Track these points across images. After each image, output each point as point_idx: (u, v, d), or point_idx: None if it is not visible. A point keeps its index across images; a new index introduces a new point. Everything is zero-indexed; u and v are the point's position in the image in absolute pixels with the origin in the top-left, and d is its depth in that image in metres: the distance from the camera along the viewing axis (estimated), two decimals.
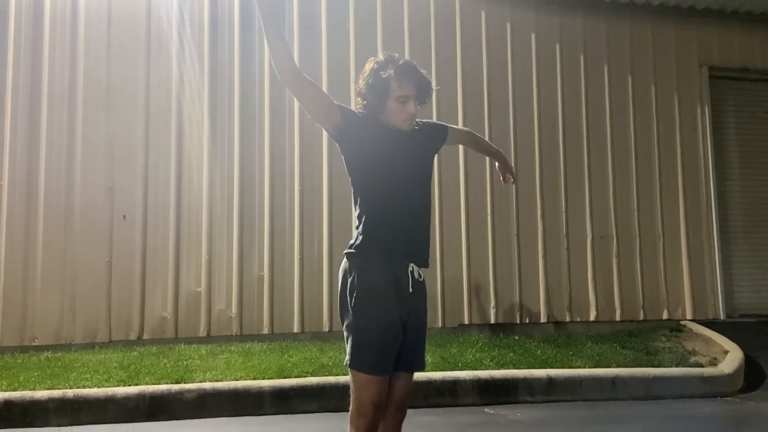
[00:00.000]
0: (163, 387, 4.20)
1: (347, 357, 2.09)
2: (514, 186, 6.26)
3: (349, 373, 2.10)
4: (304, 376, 4.47)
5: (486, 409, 4.38)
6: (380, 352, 2.05)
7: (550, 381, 4.71)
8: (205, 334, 5.61)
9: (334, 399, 4.29)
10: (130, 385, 4.22)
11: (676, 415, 4.31)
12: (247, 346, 5.33)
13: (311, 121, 6.37)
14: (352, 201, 2.21)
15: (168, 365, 4.68)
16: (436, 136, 2.39)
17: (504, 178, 2.74)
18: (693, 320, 6.43)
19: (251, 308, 5.73)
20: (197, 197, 5.80)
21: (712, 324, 6.32)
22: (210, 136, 5.88)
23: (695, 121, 6.82)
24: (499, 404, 4.47)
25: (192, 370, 4.55)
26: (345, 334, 2.12)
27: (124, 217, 5.65)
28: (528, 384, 4.67)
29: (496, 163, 2.76)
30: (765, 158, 7.15)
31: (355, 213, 2.19)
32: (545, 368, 4.89)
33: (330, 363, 4.74)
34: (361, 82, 2.20)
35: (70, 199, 5.60)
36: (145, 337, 5.54)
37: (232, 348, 5.24)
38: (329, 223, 5.92)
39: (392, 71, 2.13)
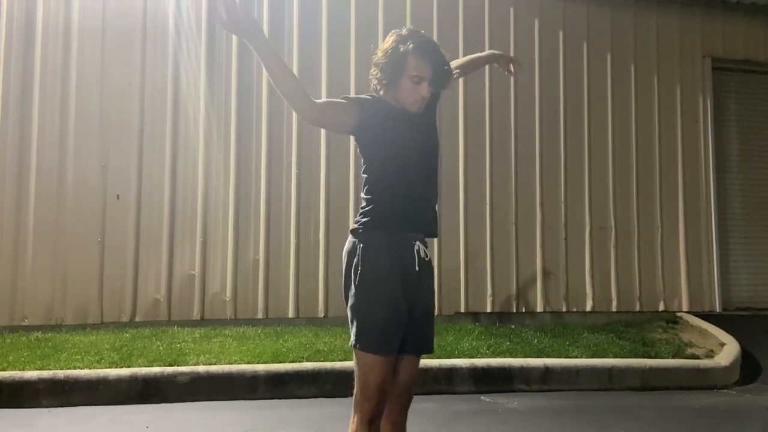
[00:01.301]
0: (156, 369, 4.15)
1: (352, 337, 2.03)
2: (513, 175, 6.21)
3: (354, 355, 2.04)
4: (299, 361, 4.43)
5: (482, 397, 4.35)
6: (386, 331, 1.99)
7: (547, 370, 4.68)
8: (198, 318, 5.55)
9: (329, 384, 4.27)
10: (122, 367, 4.16)
11: (673, 407, 4.29)
12: (241, 330, 5.28)
13: None
14: (363, 184, 2.13)
15: (161, 348, 4.63)
16: (434, 99, 2.26)
17: (508, 71, 2.64)
18: (689, 312, 6.42)
19: (246, 292, 5.67)
20: (192, 178, 5.71)
21: (707, 316, 6.31)
22: (206, 117, 5.78)
23: (697, 112, 6.77)
24: (494, 392, 4.44)
25: (185, 353, 4.50)
26: (349, 315, 2.06)
27: (118, 197, 5.56)
28: (524, 373, 4.64)
29: (494, 64, 2.66)
30: (765, 152, 7.11)
31: (363, 195, 2.12)
32: (542, 357, 4.86)
33: (325, 348, 4.70)
34: (380, 54, 2.12)
35: (63, 178, 5.50)
36: (137, 319, 5.47)
37: (226, 332, 5.18)
38: (326, 208, 5.85)
39: (412, 46, 2.03)
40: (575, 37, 6.55)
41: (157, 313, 5.50)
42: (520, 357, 4.84)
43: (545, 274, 6.18)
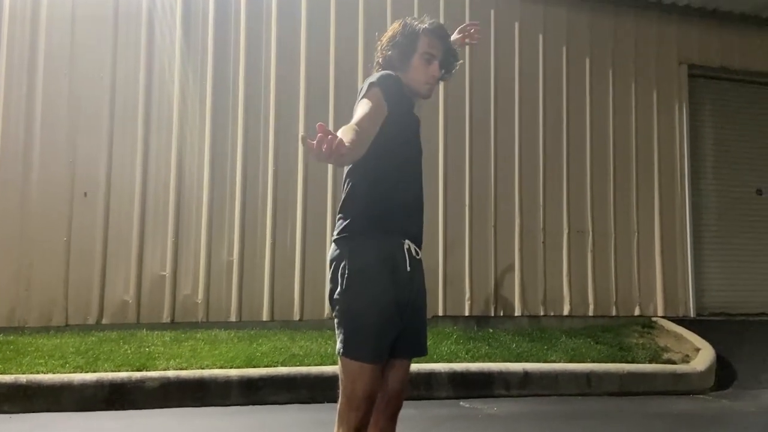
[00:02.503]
0: (124, 374, 3.98)
1: (339, 345, 1.90)
2: (493, 178, 6.17)
3: (339, 363, 1.91)
4: (274, 366, 4.30)
5: (461, 403, 4.27)
6: (376, 337, 1.87)
7: (526, 375, 4.64)
8: (169, 320, 5.37)
9: (304, 390, 4.15)
10: (87, 372, 3.98)
11: (652, 413, 4.27)
12: (213, 333, 5.11)
13: (288, 100, 6.13)
14: (348, 178, 1.99)
15: (129, 352, 4.45)
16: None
17: (470, 39, 2.54)
18: (664, 317, 6.45)
19: (219, 294, 5.50)
20: (164, 175, 5.52)
21: (682, 321, 6.35)
22: (180, 111, 5.60)
23: (673, 118, 6.82)
24: (473, 398, 4.38)
25: (155, 358, 4.32)
26: (336, 321, 1.93)
27: (85, 194, 5.35)
28: (504, 378, 4.58)
29: (459, 36, 2.54)
30: (738, 159, 7.20)
31: (348, 190, 1.98)
32: (521, 362, 4.81)
33: (301, 353, 4.57)
34: (385, 39, 2.05)
35: (27, 174, 5.27)
36: (104, 321, 5.27)
37: (198, 335, 5.02)
38: (303, 208, 5.72)
39: (425, 26, 2.03)
40: (555, 41, 6.54)
41: (125, 315, 5.31)
42: (499, 362, 4.78)
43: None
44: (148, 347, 4.59)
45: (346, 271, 1.90)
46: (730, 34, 7.06)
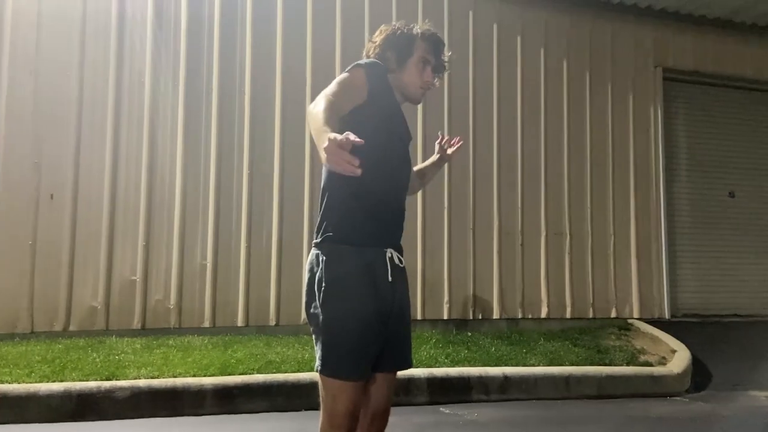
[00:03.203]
0: (92, 384, 3.82)
1: (317, 362, 1.80)
2: (471, 181, 6.14)
3: (319, 379, 1.82)
4: (250, 374, 4.18)
5: (441, 409, 4.21)
6: (356, 353, 1.78)
7: (506, 379, 4.60)
8: (139, 327, 5.20)
9: (281, 398, 4.04)
10: (54, 382, 3.82)
11: (632, 416, 4.27)
12: (186, 340, 4.97)
13: (264, 100, 5.99)
14: (328, 181, 1.91)
15: (98, 360, 4.29)
16: None
17: (448, 147, 2.43)
18: (639, 319, 6.48)
19: (192, 299, 5.36)
20: (135, 177, 5.36)
21: (656, 323, 6.39)
22: (151, 111, 5.44)
23: (648, 121, 6.87)
24: (453, 403, 4.32)
25: (125, 366, 4.17)
26: (314, 335, 1.84)
27: (52, 196, 5.16)
28: (483, 382, 4.53)
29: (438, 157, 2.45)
30: (711, 161, 7.29)
31: (329, 194, 1.90)
32: (500, 366, 4.77)
33: (277, 359, 4.46)
34: (379, 39, 1.99)
35: None
36: (71, 328, 5.08)
37: (170, 342, 4.87)
38: (279, 210, 5.60)
39: (419, 30, 2.00)
40: (533, 43, 6.53)
41: (93, 321, 5.13)
42: (478, 366, 4.74)
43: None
44: (117, 355, 4.44)
45: (323, 283, 1.81)
46: (703, 38, 7.14)
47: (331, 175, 1.88)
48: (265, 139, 5.64)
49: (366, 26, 5.91)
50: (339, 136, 1.45)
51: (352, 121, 1.79)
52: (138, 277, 5.27)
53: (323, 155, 1.47)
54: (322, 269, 1.82)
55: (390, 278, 1.86)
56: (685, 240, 7.10)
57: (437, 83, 2.08)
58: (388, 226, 1.92)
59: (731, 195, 7.33)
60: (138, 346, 4.72)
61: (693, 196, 7.21)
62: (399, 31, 1.98)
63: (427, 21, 2.09)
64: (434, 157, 2.43)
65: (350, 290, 1.80)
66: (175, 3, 5.58)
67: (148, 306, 5.27)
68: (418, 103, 2.07)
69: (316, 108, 1.65)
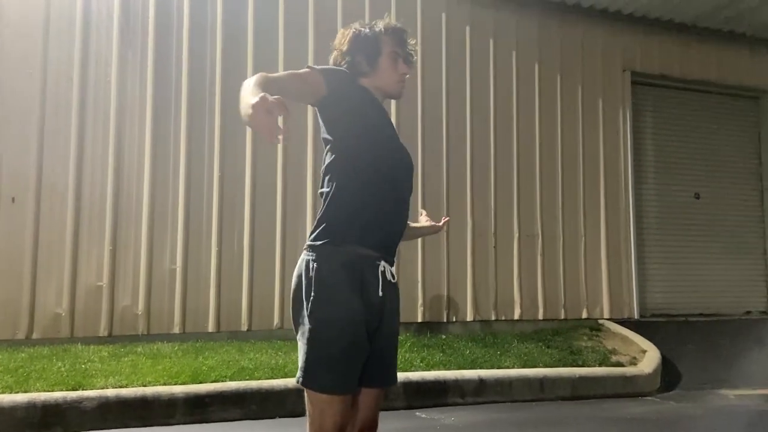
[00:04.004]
0: (58, 394, 3.68)
1: (300, 373, 1.74)
2: (445, 183, 6.14)
3: (305, 394, 1.76)
4: (222, 381, 4.08)
5: (417, 413, 4.18)
6: (344, 366, 1.72)
7: (481, 382, 4.60)
8: (106, 334, 5.05)
9: (255, 405, 3.96)
10: (18, 392, 3.67)
11: (605, 417, 4.30)
12: (155, 347, 4.84)
13: (235, 100, 5.90)
14: (323, 176, 1.86)
15: (63, 369, 4.13)
16: None
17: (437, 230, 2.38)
18: (610, 319, 6.56)
19: (161, 305, 5.22)
20: (101, 178, 5.20)
21: (626, 323, 6.48)
22: (118, 109, 5.29)
23: (617, 124, 6.96)
24: (429, 407, 4.30)
25: (91, 375, 4.03)
26: (299, 345, 1.77)
27: (13, 199, 4.98)
28: (459, 386, 4.53)
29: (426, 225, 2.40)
30: (677, 164, 7.43)
31: (322, 189, 1.85)
32: (475, 369, 4.77)
33: (250, 366, 4.37)
34: (343, 46, 1.94)
35: None
36: (35, 336, 4.90)
37: (139, 349, 4.73)
38: (251, 213, 5.50)
39: (381, 26, 1.94)
40: (505, 46, 6.56)
41: (58, 329, 4.96)
42: (453, 369, 4.73)
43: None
44: (84, 364, 4.28)
45: (312, 292, 1.74)
46: (670, 42, 7.27)
47: (333, 180, 1.82)
48: (237, 140, 5.53)
49: (338, 27, 5.84)
50: (272, 98, 1.38)
51: (337, 133, 1.80)
52: (104, 282, 5.11)
53: (248, 112, 1.39)
54: (312, 277, 1.76)
55: (380, 293, 1.81)
56: (653, 241, 7.22)
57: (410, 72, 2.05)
58: (385, 237, 1.87)
59: (697, 196, 7.48)
60: (105, 354, 4.57)
61: (660, 198, 7.34)
62: (362, 33, 1.93)
63: (386, 15, 2.05)
64: (424, 230, 2.37)
65: (341, 302, 1.74)
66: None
67: (116, 312, 5.12)
68: (400, 96, 2.01)
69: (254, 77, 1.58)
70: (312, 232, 1.83)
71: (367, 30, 1.94)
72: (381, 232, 1.84)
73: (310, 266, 1.77)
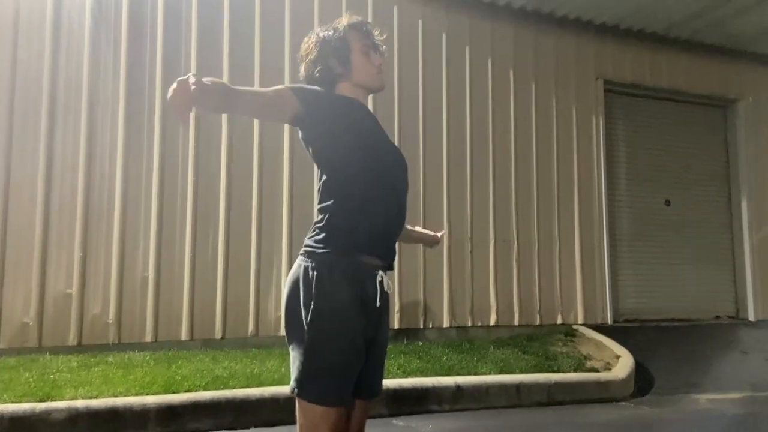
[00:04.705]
0: (26, 406, 3.56)
1: (294, 384, 1.70)
2: (422, 188, 6.13)
3: (297, 405, 1.71)
4: (196, 390, 3.99)
5: (395, 421, 4.14)
6: (342, 378, 1.69)
7: (458, 389, 4.58)
8: (75, 343, 4.92)
9: (230, 415, 3.88)
10: None
11: (581, 422, 4.33)
12: (127, 356, 4.73)
13: None
14: (320, 193, 1.83)
15: (31, 380, 4.01)
16: None
17: (432, 245, 2.40)
18: (584, 324, 6.63)
19: (132, 313, 5.11)
20: (71, 183, 5.07)
21: (600, 328, 6.55)
22: (89, 108, 5.17)
23: (590, 132, 7.05)
24: (407, 415, 4.26)
25: (60, 386, 3.92)
26: (293, 354, 1.73)
27: None
28: (436, 393, 4.51)
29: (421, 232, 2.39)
30: (648, 171, 7.56)
31: (321, 205, 1.82)
32: (452, 375, 4.76)
33: (225, 374, 4.29)
34: (311, 54, 1.90)
35: None
36: (1, 346, 4.76)
37: (109, 359, 4.62)
38: (226, 219, 5.43)
39: (344, 25, 1.92)
40: (480, 53, 6.60)
41: (25, 338, 4.82)
42: (431, 376, 4.71)
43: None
44: (52, 374, 4.17)
45: (313, 301, 1.70)
46: (641, 52, 7.40)
47: (332, 196, 1.78)
48: (211, 143, 5.46)
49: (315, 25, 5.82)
50: (195, 79, 1.40)
51: (326, 152, 1.78)
52: (74, 290, 4.98)
53: (174, 86, 1.41)
54: (312, 285, 1.71)
55: (378, 303, 1.79)
56: (625, 247, 7.32)
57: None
58: (387, 245, 1.84)
59: (667, 203, 7.62)
60: (74, 363, 4.45)
61: (632, 205, 7.45)
62: (327, 36, 1.90)
63: (348, 13, 2.01)
64: (421, 237, 2.35)
65: (342, 311, 1.71)
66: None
67: (85, 321, 4.99)
68: (382, 87, 1.98)
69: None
70: (311, 237, 1.79)
71: (331, 32, 1.90)
72: (383, 240, 1.83)
73: (309, 273, 1.73)
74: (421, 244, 2.43)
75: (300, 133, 1.85)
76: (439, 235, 2.35)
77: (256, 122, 5.47)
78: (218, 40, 5.60)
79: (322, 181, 1.82)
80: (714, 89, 7.76)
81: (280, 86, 1.76)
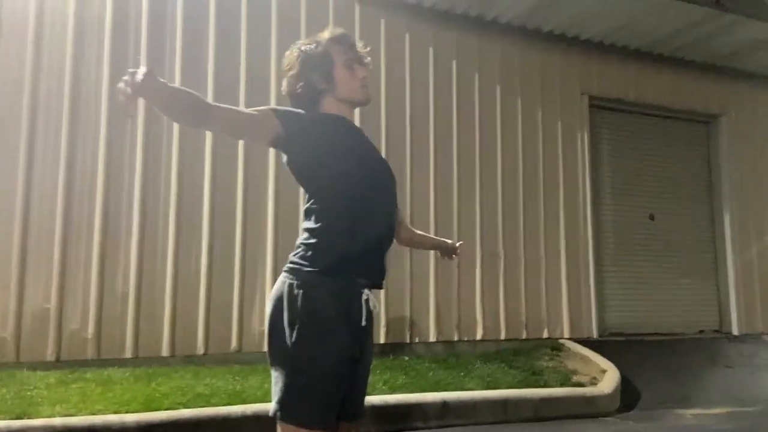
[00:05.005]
0: (1, 423, 3.48)
1: (276, 406, 1.65)
2: (409, 202, 6.11)
3: (279, 428, 1.66)
4: (176, 408, 3.91)
5: None
6: (326, 400, 1.64)
7: (444, 405, 4.53)
8: (53, 359, 4.80)
9: None
10: None
11: None
12: (106, 373, 4.62)
13: None
14: (306, 214, 1.80)
15: (7, 396, 3.92)
16: None
17: (450, 257, 2.35)
18: (570, 339, 6.61)
19: (112, 328, 5.00)
20: (50, 194, 4.98)
21: (586, 342, 6.53)
22: (69, 119, 5.09)
23: (576, 147, 7.08)
24: None
25: (38, 403, 3.83)
26: (275, 375, 1.68)
27: None
28: (422, 409, 4.45)
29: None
30: (633, 186, 7.60)
31: (307, 224, 1.78)
32: (438, 391, 4.71)
33: (207, 392, 4.22)
34: (294, 70, 1.87)
35: None
36: None
37: (88, 375, 4.52)
38: (210, 233, 5.35)
39: (325, 38, 1.88)
40: (467, 68, 6.62)
41: (2, 353, 4.69)
42: (417, 392, 4.66)
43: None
44: (29, 391, 4.07)
45: (298, 320, 1.65)
46: (626, 68, 7.47)
47: (319, 219, 1.75)
48: (195, 154, 5.39)
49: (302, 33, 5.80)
50: (146, 72, 1.45)
51: (310, 174, 1.77)
52: (52, 305, 4.87)
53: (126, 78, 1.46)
54: (298, 304, 1.67)
55: (364, 322, 1.76)
56: (610, 261, 7.34)
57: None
58: (376, 263, 1.82)
59: (651, 218, 7.66)
60: (52, 380, 4.35)
61: (617, 219, 7.48)
62: (309, 50, 1.87)
63: (332, 26, 1.98)
64: (439, 244, 2.31)
65: (327, 331, 1.67)
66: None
67: (64, 336, 4.88)
68: (368, 101, 1.95)
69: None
70: (296, 255, 1.75)
71: (314, 45, 1.87)
72: (371, 259, 1.79)
73: (294, 291, 1.69)
74: (438, 253, 2.34)
75: (283, 158, 1.82)
76: (457, 245, 2.30)
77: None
78: (203, 47, 5.56)
79: (309, 202, 1.79)
80: (697, 105, 7.85)
81: (263, 106, 1.75)
